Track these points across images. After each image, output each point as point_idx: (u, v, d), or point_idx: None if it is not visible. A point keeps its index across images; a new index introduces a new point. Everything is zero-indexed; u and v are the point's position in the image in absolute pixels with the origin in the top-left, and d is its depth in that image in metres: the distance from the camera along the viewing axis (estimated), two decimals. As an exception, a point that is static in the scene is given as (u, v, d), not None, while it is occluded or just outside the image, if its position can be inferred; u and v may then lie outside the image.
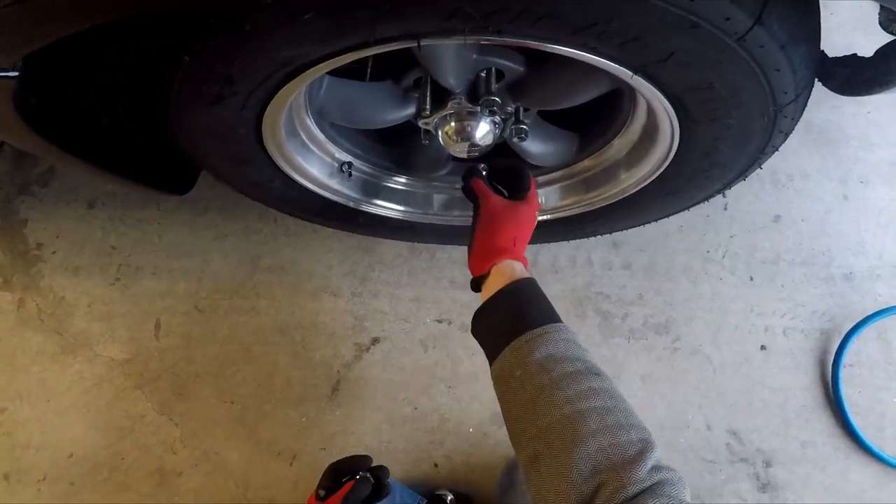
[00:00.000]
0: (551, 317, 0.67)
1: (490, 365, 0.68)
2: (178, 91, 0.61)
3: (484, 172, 0.84)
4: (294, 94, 0.67)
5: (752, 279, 1.25)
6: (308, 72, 0.60)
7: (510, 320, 0.67)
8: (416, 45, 0.55)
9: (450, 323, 1.26)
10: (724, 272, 1.26)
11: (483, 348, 0.71)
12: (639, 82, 0.61)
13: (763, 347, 1.20)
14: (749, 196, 1.31)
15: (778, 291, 1.24)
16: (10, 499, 1.17)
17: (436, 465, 1.16)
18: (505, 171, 0.86)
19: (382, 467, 0.76)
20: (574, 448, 0.53)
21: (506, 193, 0.84)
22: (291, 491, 1.16)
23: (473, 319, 0.73)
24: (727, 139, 0.70)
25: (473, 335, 0.74)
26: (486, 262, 0.75)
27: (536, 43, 0.55)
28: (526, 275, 0.73)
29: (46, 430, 1.21)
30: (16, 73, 0.48)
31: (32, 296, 1.29)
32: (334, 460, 0.76)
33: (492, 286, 0.72)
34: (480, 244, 0.78)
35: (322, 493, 0.73)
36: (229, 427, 1.20)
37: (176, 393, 1.23)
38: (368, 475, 0.75)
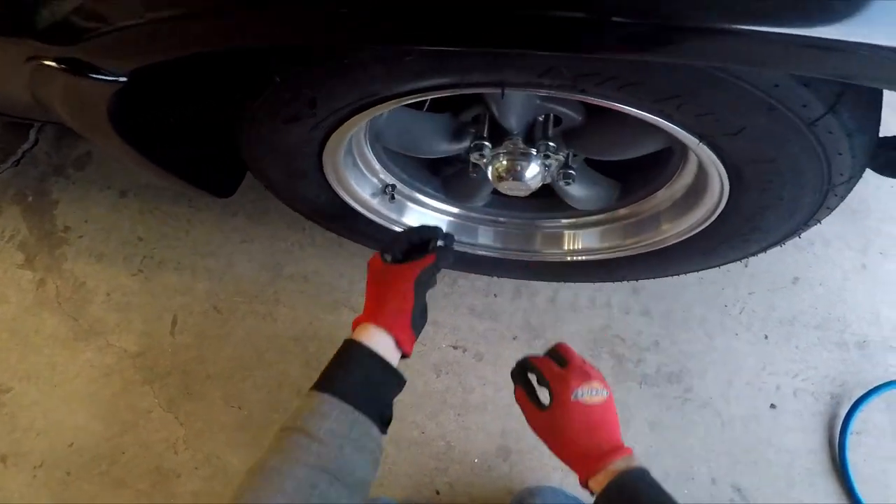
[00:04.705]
0: None
1: None
2: (259, 106, 0.63)
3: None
4: (365, 120, 0.69)
5: (766, 337, 1.27)
6: (388, 103, 0.62)
7: None
8: (499, 91, 0.57)
9: (465, 350, 1.27)
10: (739, 328, 1.28)
11: None
12: (702, 149, 0.64)
13: (773, 406, 1.21)
14: (770, 256, 1.31)
15: (792, 352, 1.25)
16: (5, 482, 1.16)
17: (437, 493, 1.16)
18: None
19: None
20: None
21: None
22: (290, 503, 1.15)
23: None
24: (775, 209, 0.72)
25: None
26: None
27: (612, 104, 0.57)
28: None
29: (49, 416, 1.20)
30: (124, 80, 0.49)
31: (53, 277, 1.29)
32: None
33: None
34: None
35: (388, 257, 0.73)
36: (234, 432, 1.19)
37: (184, 392, 1.22)
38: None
